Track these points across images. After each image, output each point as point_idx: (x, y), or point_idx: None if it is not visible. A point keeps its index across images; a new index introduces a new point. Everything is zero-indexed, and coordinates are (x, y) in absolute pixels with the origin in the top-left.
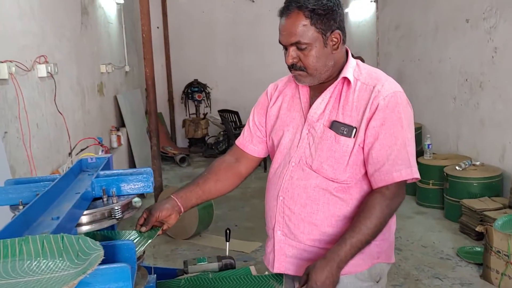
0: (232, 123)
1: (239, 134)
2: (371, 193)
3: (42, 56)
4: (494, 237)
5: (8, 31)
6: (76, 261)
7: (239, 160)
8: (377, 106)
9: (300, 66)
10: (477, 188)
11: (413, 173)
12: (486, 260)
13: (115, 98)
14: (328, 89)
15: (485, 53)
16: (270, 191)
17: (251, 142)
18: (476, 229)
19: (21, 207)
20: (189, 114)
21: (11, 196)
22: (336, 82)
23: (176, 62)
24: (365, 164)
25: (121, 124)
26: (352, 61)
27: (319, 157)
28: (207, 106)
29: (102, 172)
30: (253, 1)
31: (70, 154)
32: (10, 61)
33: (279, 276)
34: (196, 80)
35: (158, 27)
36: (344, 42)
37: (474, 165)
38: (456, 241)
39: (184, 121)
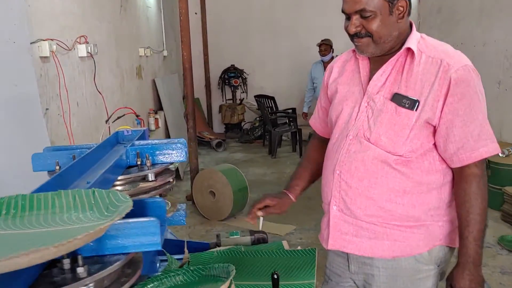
0: (268, 109)
1: (275, 120)
2: (462, 177)
3: (83, 36)
4: None
5: (50, 10)
6: (105, 213)
7: (322, 141)
8: (450, 80)
9: (365, 33)
10: None
11: (498, 148)
12: None
13: (153, 82)
14: (390, 60)
15: None
16: (327, 166)
17: (320, 125)
18: None
19: (58, 168)
20: (226, 100)
21: (49, 162)
22: (398, 53)
23: (213, 48)
24: (439, 142)
25: (159, 107)
26: (416, 34)
27: (378, 129)
28: (243, 92)
29: (137, 142)
30: None
31: (107, 121)
32: (52, 39)
33: (312, 251)
34: (233, 66)
35: (196, 13)
36: (409, 13)
37: None
38: (497, 230)
39: (220, 107)
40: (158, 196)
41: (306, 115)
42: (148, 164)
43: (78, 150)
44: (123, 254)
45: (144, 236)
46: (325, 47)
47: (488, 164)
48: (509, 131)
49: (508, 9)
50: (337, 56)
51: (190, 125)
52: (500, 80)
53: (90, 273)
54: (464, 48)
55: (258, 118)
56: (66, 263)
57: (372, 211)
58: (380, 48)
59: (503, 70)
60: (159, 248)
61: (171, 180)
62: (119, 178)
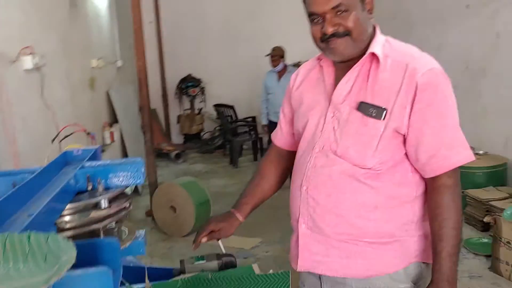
0: (228, 118)
1: (235, 129)
2: (434, 188)
3: (28, 47)
4: (503, 228)
5: None
6: (44, 265)
7: (280, 155)
8: (416, 85)
9: (343, 32)
10: (482, 178)
11: (472, 155)
12: (495, 251)
13: (107, 94)
14: (354, 67)
15: (486, 39)
16: (294, 181)
17: (283, 136)
18: (484, 220)
19: None
20: (184, 110)
21: None
22: (363, 59)
23: (169, 57)
24: (410, 152)
25: (114, 120)
26: (380, 37)
27: (344, 141)
28: (202, 101)
29: (87, 163)
30: None
31: (53, 141)
32: None
33: (285, 274)
34: (190, 75)
35: (150, 22)
36: (373, 8)
37: (477, 154)
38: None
39: (178, 117)
40: (113, 225)
41: (265, 127)
42: (101, 189)
43: (20, 175)
44: None
45: None
46: (275, 57)
47: None
48: (467, 134)
49: (461, 13)
50: (288, 65)
51: (147, 137)
52: (457, 84)
53: None
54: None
55: (217, 128)
56: None
57: (342, 229)
58: (357, 47)
59: (460, 74)
60: None
61: (127, 205)
62: (68, 206)
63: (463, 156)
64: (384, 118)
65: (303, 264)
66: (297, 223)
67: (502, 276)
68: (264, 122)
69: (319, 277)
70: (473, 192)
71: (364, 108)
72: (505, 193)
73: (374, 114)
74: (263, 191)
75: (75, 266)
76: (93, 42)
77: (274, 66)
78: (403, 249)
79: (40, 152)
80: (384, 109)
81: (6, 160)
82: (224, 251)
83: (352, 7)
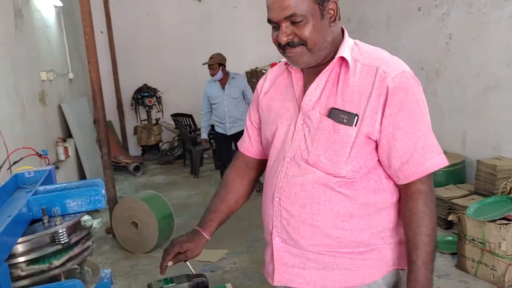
0: (187, 127)
1: (194, 138)
2: (408, 195)
3: None
4: (468, 225)
5: None
6: None
7: (247, 165)
8: (387, 90)
9: (298, 42)
10: (442, 177)
11: (446, 160)
12: (461, 249)
13: (60, 107)
14: (323, 72)
15: (439, 40)
16: (266, 192)
17: (251, 144)
18: (449, 218)
19: None
20: (141, 121)
21: None
22: (331, 64)
23: (123, 67)
24: (383, 158)
25: (68, 135)
26: (348, 40)
27: (315, 149)
28: (159, 111)
29: (41, 188)
30: (200, 1)
31: (0, 168)
32: None
33: None
34: (145, 85)
35: (102, 32)
36: (339, 17)
37: None
38: None
39: (135, 128)
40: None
41: (207, 141)
42: (58, 219)
43: None
44: None
45: None
46: (213, 65)
47: None
48: None
49: (414, 16)
50: (230, 72)
51: (104, 151)
52: None
53: None
54: None
55: (176, 138)
56: None
57: (318, 240)
58: (315, 56)
59: (416, 75)
60: None
61: (91, 244)
62: (20, 240)
63: (437, 161)
64: (355, 125)
65: (279, 278)
66: (271, 236)
67: (469, 273)
68: (204, 136)
69: None
70: (437, 191)
71: (334, 114)
72: (465, 190)
73: (345, 121)
74: (229, 206)
75: None
76: (42, 54)
77: (212, 75)
78: (380, 257)
79: None
80: (356, 115)
81: None
82: (193, 272)
83: (308, 17)
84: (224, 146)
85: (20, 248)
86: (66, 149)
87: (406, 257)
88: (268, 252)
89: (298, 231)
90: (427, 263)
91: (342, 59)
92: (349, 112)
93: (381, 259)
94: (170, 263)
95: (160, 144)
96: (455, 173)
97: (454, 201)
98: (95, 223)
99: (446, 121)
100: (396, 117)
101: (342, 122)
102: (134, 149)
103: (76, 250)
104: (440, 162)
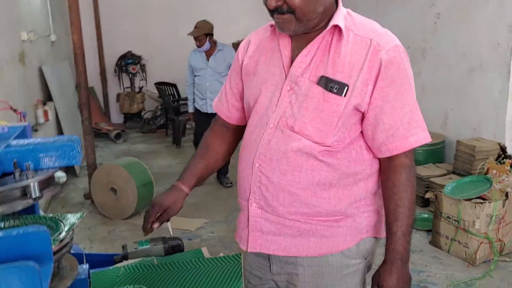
0: (170, 96)
1: (177, 108)
2: (391, 168)
3: None
4: (444, 203)
5: None
6: None
7: (227, 127)
8: (381, 62)
9: (287, 9)
10: (421, 156)
11: (429, 136)
12: (436, 226)
13: (40, 70)
14: (315, 39)
15: (427, 20)
16: (244, 157)
17: (228, 110)
18: (426, 196)
19: None
20: (124, 88)
21: None
22: (325, 32)
23: (107, 33)
24: (367, 130)
25: (48, 98)
26: (342, 9)
27: (302, 117)
28: (142, 79)
29: (14, 142)
30: None
31: None
32: None
33: (237, 257)
34: (129, 52)
35: None
36: None
37: None
38: None
39: (118, 95)
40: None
41: (194, 116)
42: (30, 173)
43: None
44: None
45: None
46: (199, 37)
47: None
48: None
49: None
50: (218, 42)
51: (84, 116)
52: None
53: None
54: None
55: (159, 107)
56: None
57: (296, 207)
58: (303, 26)
59: None
60: None
61: (71, 239)
62: None
63: (420, 137)
64: (345, 95)
65: (253, 244)
66: (247, 202)
67: (442, 249)
68: (191, 109)
69: (268, 258)
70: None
71: (325, 82)
72: (444, 169)
73: (335, 90)
74: (208, 165)
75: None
76: (22, 14)
77: (199, 46)
78: (355, 225)
79: None
80: (346, 85)
81: None
82: (172, 234)
83: None
84: (201, 125)
85: None
86: (45, 112)
87: (379, 226)
88: (242, 218)
89: (277, 198)
90: (406, 235)
91: (335, 27)
92: (340, 82)
93: (355, 227)
94: (155, 225)
95: (143, 113)
96: (434, 153)
97: (432, 179)
98: (75, 218)
99: (428, 101)
100: (387, 90)
101: (332, 91)
102: (116, 117)
103: (56, 247)
104: (423, 137)
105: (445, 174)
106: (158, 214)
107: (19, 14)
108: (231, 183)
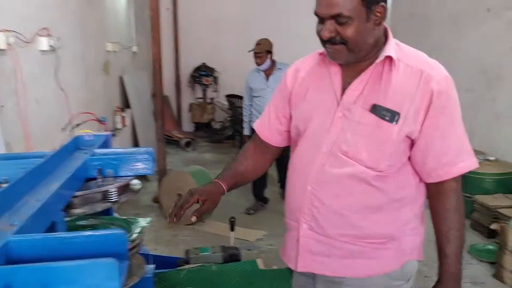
0: (239, 109)
1: None
2: (441, 192)
3: (44, 28)
4: (510, 236)
5: (8, 0)
6: None
7: (266, 146)
8: (432, 92)
9: (339, 40)
10: (491, 184)
11: (477, 162)
12: (500, 259)
13: (121, 79)
14: (368, 69)
15: (504, 44)
16: (295, 180)
17: (271, 132)
18: (491, 227)
19: (4, 185)
20: (196, 98)
21: None
22: (377, 62)
23: (184, 45)
24: (417, 157)
25: (126, 105)
26: (393, 41)
27: (356, 143)
28: (214, 91)
29: (98, 151)
30: None
31: (64, 128)
32: (8, 30)
33: (288, 271)
34: (204, 64)
35: (167, 9)
36: (385, 18)
37: (488, 160)
38: (467, 238)
39: (190, 105)
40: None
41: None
42: (110, 180)
43: (32, 159)
44: None
45: (101, 279)
46: (261, 53)
47: None
48: (479, 140)
49: (481, 17)
50: (277, 61)
51: (158, 124)
52: (471, 88)
53: None
54: (436, 54)
55: (228, 118)
56: None
57: (346, 230)
58: (355, 56)
59: (474, 78)
60: None
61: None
62: (76, 194)
63: (469, 163)
64: (397, 122)
65: (304, 265)
66: (298, 223)
67: (505, 284)
68: (247, 132)
69: (313, 277)
70: (481, 198)
71: (377, 110)
72: None
73: (387, 118)
74: (247, 171)
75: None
76: (109, 26)
77: (259, 64)
78: (400, 248)
79: (52, 135)
80: (397, 113)
81: (17, 142)
82: (232, 244)
83: (354, 19)
84: None
85: (75, 201)
86: (123, 118)
87: (421, 249)
88: (292, 238)
89: (328, 220)
90: (459, 256)
91: (387, 57)
92: (391, 110)
93: (400, 250)
94: (194, 219)
95: (213, 123)
96: (505, 182)
97: (500, 210)
98: (145, 222)
99: (502, 129)
100: (437, 119)
101: (384, 119)
102: (187, 125)
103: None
104: (472, 164)
105: None
106: (194, 203)
107: (106, 26)
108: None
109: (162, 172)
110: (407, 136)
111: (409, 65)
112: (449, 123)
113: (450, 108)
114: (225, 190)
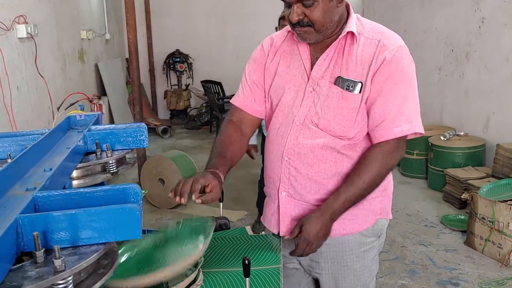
0: (215, 94)
1: (221, 105)
2: (371, 147)
3: (21, 16)
4: (479, 204)
5: None
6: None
7: (241, 121)
8: (383, 60)
9: (307, 22)
10: (461, 158)
11: (414, 128)
12: (471, 226)
13: (96, 66)
14: (332, 44)
15: (472, 23)
16: (273, 151)
17: (254, 101)
18: (462, 197)
19: (9, 160)
20: (171, 85)
21: None
22: (340, 37)
23: (157, 32)
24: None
25: (102, 93)
26: (354, 16)
27: (325, 114)
28: (189, 77)
29: (94, 127)
30: None
31: (58, 108)
32: None
33: (277, 236)
34: (177, 50)
35: None
36: None
37: (458, 135)
38: (439, 210)
39: (165, 92)
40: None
41: (256, 149)
42: (108, 152)
43: (29, 136)
44: (100, 244)
45: (123, 224)
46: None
47: (431, 147)
48: (449, 116)
49: None
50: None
51: (136, 110)
52: (441, 66)
53: (67, 266)
54: (407, 35)
55: (204, 104)
56: (40, 255)
57: (321, 194)
58: (322, 35)
59: (444, 57)
60: (140, 236)
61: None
62: (78, 166)
63: (404, 128)
64: (360, 91)
65: (284, 228)
66: (277, 191)
67: (476, 249)
68: (253, 141)
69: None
70: (452, 171)
71: (341, 82)
72: (483, 172)
73: (351, 88)
74: (235, 155)
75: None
76: (83, 14)
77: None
78: (371, 208)
79: (33, 120)
80: (360, 82)
81: (3, 127)
82: (221, 214)
83: (320, 0)
84: None
85: (77, 173)
86: (100, 106)
87: (389, 209)
88: (272, 205)
89: (305, 187)
90: (347, 201)
91: (349, 33)
92: (354, 81)
93: (371, 210)
94: (198, 201)
95: (188, 110)
96: (474, 156)
97: (470, 181)
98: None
99: (470, 105)
100: (381, 85)
101: (348, 90)
102: (163, 113)
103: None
104: (407, 129)
105: (483, 177)
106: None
107: (79, 13)
108: None
109: (142, 159)
110: (366, 102)
111: (369, 37)
112: (391, 90)
113: (395, 75)
114: (222, 180)
